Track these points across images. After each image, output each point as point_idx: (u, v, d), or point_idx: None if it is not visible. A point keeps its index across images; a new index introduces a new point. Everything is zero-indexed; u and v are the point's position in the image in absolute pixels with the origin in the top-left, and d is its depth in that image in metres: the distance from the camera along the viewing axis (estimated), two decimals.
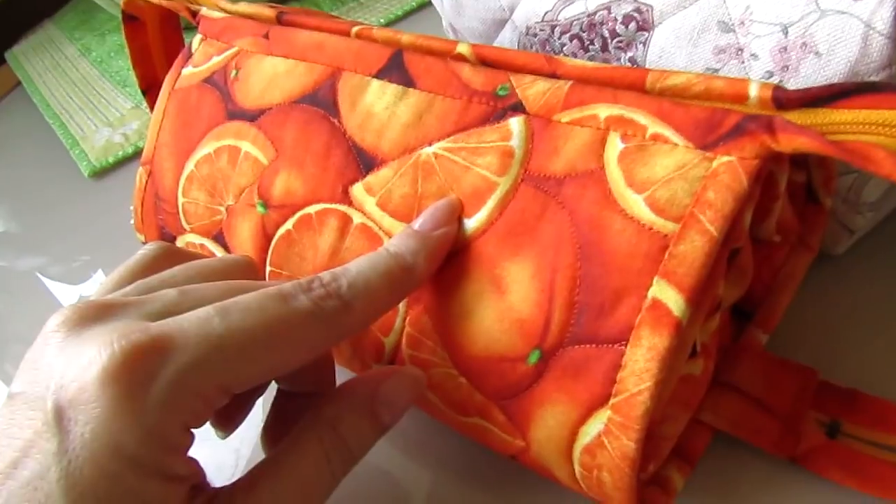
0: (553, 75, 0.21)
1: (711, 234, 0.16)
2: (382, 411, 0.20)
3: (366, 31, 0.25)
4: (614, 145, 0.18)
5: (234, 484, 0.18)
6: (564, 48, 0.30)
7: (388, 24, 0.50)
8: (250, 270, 0.22)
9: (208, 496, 0.17)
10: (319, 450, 0.19)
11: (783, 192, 0.20)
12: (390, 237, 0.22)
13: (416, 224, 0.20)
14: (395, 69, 0.23)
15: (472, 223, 0.20)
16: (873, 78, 0.21)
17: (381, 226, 0.22)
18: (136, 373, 0.15)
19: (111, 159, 0.44)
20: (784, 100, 0.17)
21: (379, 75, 0.24)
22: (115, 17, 0.54)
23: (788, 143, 0.16)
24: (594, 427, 0.18)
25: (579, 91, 0.19)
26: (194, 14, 0.31)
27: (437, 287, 0.21)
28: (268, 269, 0.25)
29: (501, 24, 0.34)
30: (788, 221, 0.23)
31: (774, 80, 0.23)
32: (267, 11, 0.29)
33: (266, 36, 0.28)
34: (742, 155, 0.16)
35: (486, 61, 0.22)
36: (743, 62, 0.24)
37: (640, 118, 0.18)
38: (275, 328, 0.17)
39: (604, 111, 0.19)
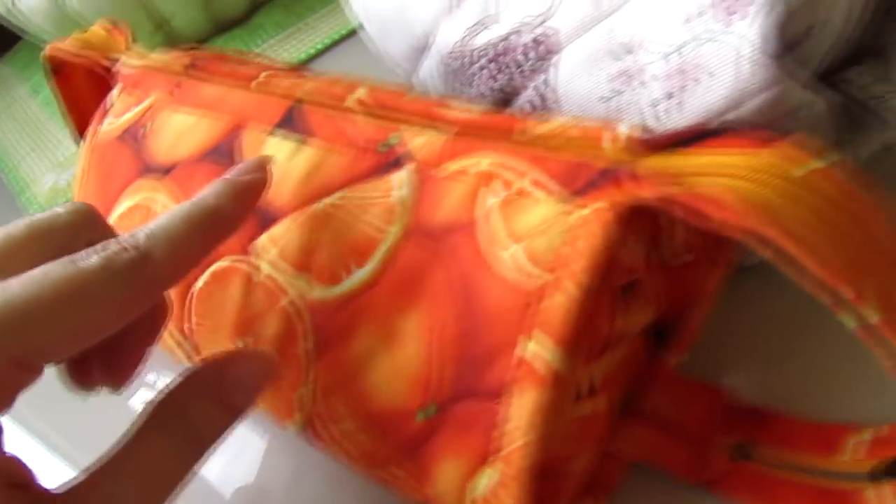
0: (441, 121, 0.21)
1: (582, 284, 0.16)
2: (234, 394, 0.19)
3: (271, 79, 0.25)
4: (492, 195, 0.19)
5: (71, 487, 0.17)
6: (475, 77, 0.31)
7: (326, 48, 0.50)
8: (88, 222, 0.21)
9: (33, 498, 0.16)
10: (167, 441, 0.18)
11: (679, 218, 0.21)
12: (289, 291, 0.22)
13: (227, 174, 0.20)
14: (292, 122, 0.23)
15: (362, 274, 0.20)
16: (751, 102, 0.21)
17: (279, 280, 0.22)
18: None
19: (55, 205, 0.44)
20: (643, 145, 0.17)
21: (277, 130, 0.24)
22: None
23: (643, 192, 0.16)
24: (485, 480, 0.18)
25: (457, 143, 0.20)
26: (109, 68, 0.31)
27: (338, 341, 0.21)
28: (187, 324, 0.26)
29: (421, 51, 0.34)
30: (697, 240, 0.24)
31: (664, 105, 0.23)
32: (178, 60, 0.29)
33: (176, 88, 0.28)
34: (607, 202, 0.17)
35: (381, 105, 0.22)
36: (637, 87, 0.24)
37: (515, 168, 0.18)
38: (61, 291, 0.16)
39: (483, 161, 0.19)
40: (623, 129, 0.17)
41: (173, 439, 0.18)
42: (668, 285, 0.24)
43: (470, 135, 0.20)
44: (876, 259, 0.14)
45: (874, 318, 0.13)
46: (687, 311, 0.25)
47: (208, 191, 0.20)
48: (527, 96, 0.29)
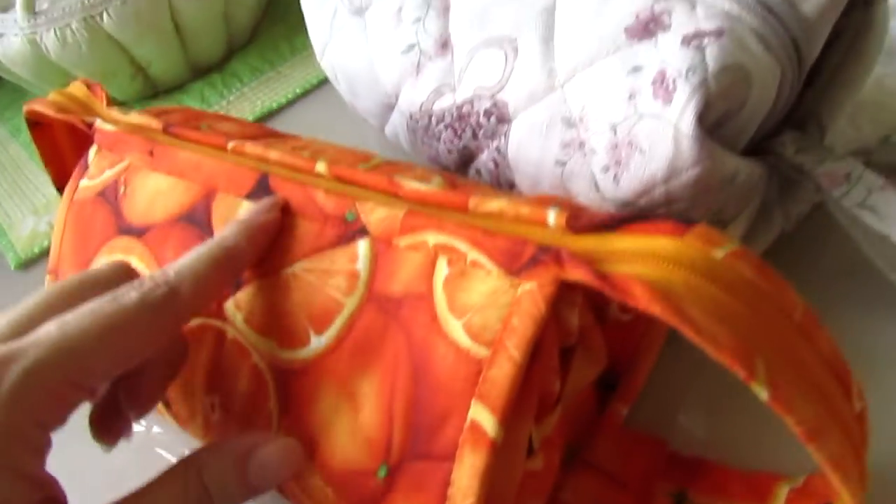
0: (395, 196, 0.23)
1: (515, 359, 0.18)
2: (253, 472, 0.21)
3: (239, 147, 0.27)
4: (441, 270, 0.20)
5: None
6: (442, 136, 0.32)
7: (299, 95, 0.52)
8: (126, 275, 0.23)
9: None
10: (181, 492, 0.20)
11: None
12: (257, 351, 0.23)
13: (242, 215, 0.24)
14: (262, 192, 0.25)
15: (323, 340, 0.22)
16: (688, 173, 0.23)
17: (248, 340, 0.24)
18: None
19: (37, 249, 0.45)
20: (576, 227, 0.19)
21: (248, 197, 0.25)
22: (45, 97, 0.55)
23: (571, 273, 0.17)
24: None
25: (412, 218, 0.21)
26: (89, 125, 0.33)
27: (302, 400, 0.22)
28: None
29: (390, 108, 0.36)
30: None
31: (610, 173, 0.25)
32: (155, 123, 0.30)
33: (151, 153, 0.29)
34: (540, 282, 0.18)
35: (339, 179, 0.24)
36: (585, 155, 0.26)
37: (461, 245, 0.20)
38: (106, 323, 0.19)
39: (432, 238, 0.21)
40: (560, 210, 0.19)
41: (184, 494, 0.20)
42: (612, 340, 0.25)
43: (425, 210, 0.21)
44: (771, 337, 0.16)
45: (763, 394, 0.15)
46: (633, 364, 0.26)
47: (227, 231, 0.23)
48: (487, 156, 0.31)
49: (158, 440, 0.32)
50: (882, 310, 0.29)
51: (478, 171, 0.32)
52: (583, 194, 0.27)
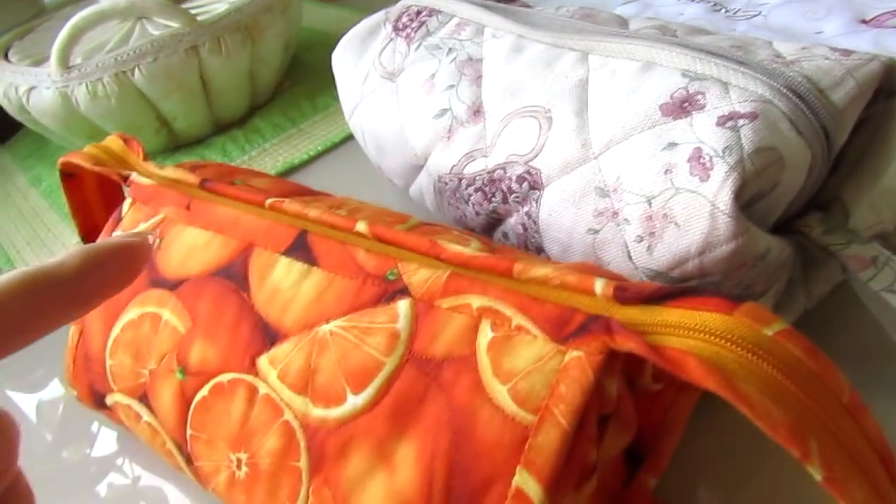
0: (437, 258, 0.23)
1: (563, 427, 0.18)
2: None
3: (278, 205, 0.27)
4: (485, 333, 0.20)
5: None
6: (471, 198, 0.33)
7: (323, 152, 0.53)
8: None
9: None
10: None
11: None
12: (290, 409, 0.23)
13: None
14: (301, 248, 0.25)
15: (360, 399, 0.22)
16: (723, 248, 0.24)
17: (281, 397, 0.24)
18: None
19: None
20: (624, 298, 0.19)
21: (286, 253, 0.26)
22: (67, 147, 0.56)
23: (622, 344, 0.18)
24: None
25: (456, 280, 0.22)
26: (125, 178, 0.33)
27: (335, 460, 0.22)
28: (188, 431, 0.27)
29: (417, 169, 0.37)
30: (665, 373, 0.25)
31: (644, 244, 0.26)
32: (191, 178, 0.31)
33: (188, 207, 0.30)
34: (589, 350, 0.18)
35: (380, 239, 0.24)
36: (618, 225, 0.26)
37: (506, 310, 0.20)
38: None
39: (476, 301, 0.21)
40: (607, 281, 0.19)
41: None
42: (641, 410, 0.26)
43: (469, 273, 0.22)
44: (823, 418, 0.16)
45: (818, 475, 0.15)
46: (661, 435, 0.26)
47: (60, 254, 0.19)
48: (517, 219, 0.31)
49: (146, 495, 0.32)
50: None
51: (505, 234, 0.33)
52: (614, 263, 0.27)
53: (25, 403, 0.40)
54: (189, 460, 0.27)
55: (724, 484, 0.27)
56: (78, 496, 0.27)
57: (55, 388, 0.40)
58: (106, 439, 0.35)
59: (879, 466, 0.17)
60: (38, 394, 0.40)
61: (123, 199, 0.33)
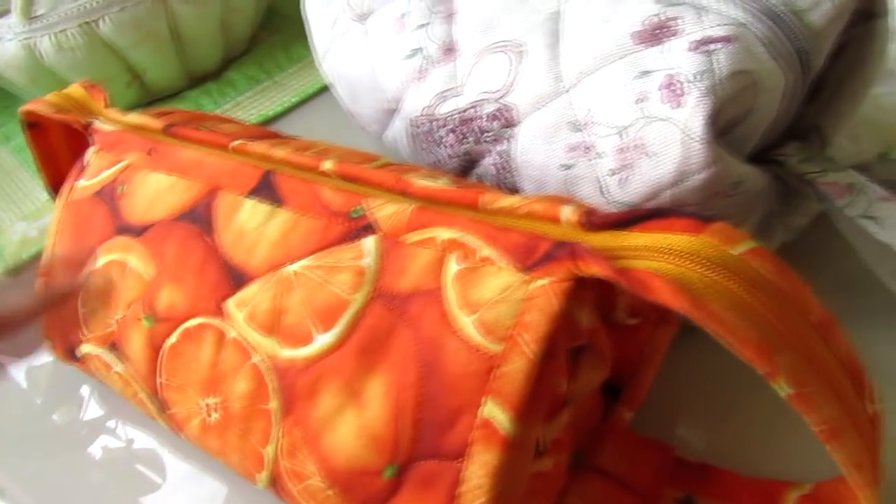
0: (404, 194, 0.22)
1: (529, 356, 0.18)
2: None
3: (242, 147, 0.27)
4: (451, 266, 0.20)
5: None
6: (444, 140, 0.32)
7: (297, 104, 0.52)
8: None
9: None
10: None
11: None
12: (258, 351, 0.23)
13: None
14: (266, 189, 0.25)
15: (328, 338, 0.21)
16: (696, 177, 0.23)
17: (249, 340, 0.23)
18: None
19: (25, 255, 0.44)
20: (591, 224, 0.18)
21: (251, 194, 0.25)
22: None
23: (587, 268, 0.17)
24: None
25: (422, 214, 0.21)
26: (87, 126, 0.32)
27: (305, 400, 0.22)
28: (159, 379, 0.26)
29: (391, 113, 0.36)
30: (641, 305, 0.25)
31: (617, 177, 0.25)
32: (155, 123, 0.30)
33: (151, 152, 0.29)
34: (554, 278, 0.18)
35: (346, 178, 0.24)
36: (591, 160, 0.26)
37: (472, 241, 0.20)
38: None
39: (442, 234, 0.20)
40: (574, 207, 0.19)
41: None
42: (618, 345, 0.25)
43: (435, 206, 0.21)
44: (790, 336, 0.16)
45: (784, 392, 0.15)
46: (638, 369, 0.26)
47: None
48: (491, 160, 0.31)
49: (139, 456, 0.32)
50: (882, 321, 0.29)
51: (479, 177, 0.32)
52: (588, 198, 0.26)
53: (15, 368, 0.39)
54: (162, 408, 0.27)
55: (703, 419, 0.27)
56: (69, 458, 0.27)
57: (44, 353, 0.40)
58: (97, 401, 0.35)
59: (849, 384, 0.17)
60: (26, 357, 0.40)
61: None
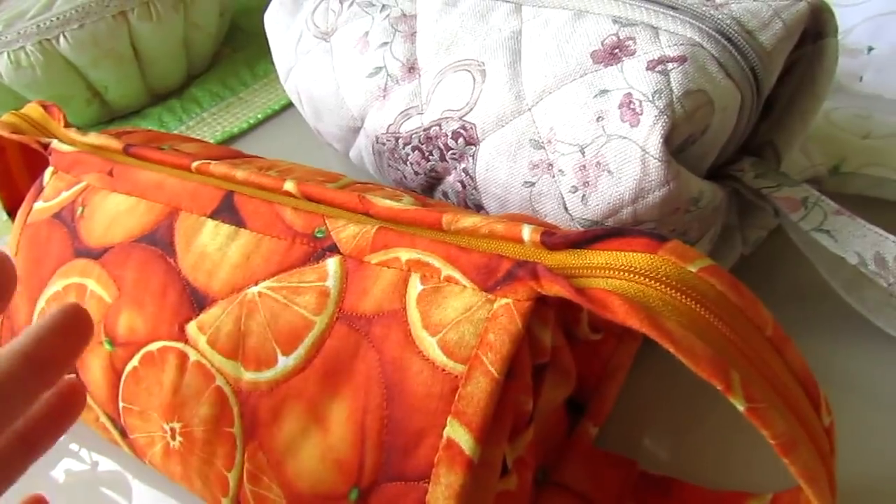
0: (366, 214, 0.22)
1: (493, 375, 0.18)
2: None
3: (204, 167, 0.26)
4: (415, 286, 0.20)
5: None
6: (409, 157, 0.32)
7: (263, 120, 0.51)
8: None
9: None
10: None
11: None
12: (221, 374, 0.23)
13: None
14: (227, 210, 0.24)
15: (290, 361, 0.21)
16: (655, 194, 0.24)
17: (212, 363, 0.23)
18: None
19: None
20: (551, 243, 0.19)
21: (213, 216, 0.25)
22: None
23: (548, 288, 0.17)
24: None
25: (384, 234, 0.21)
26: (45, 146, 0.32)
27: (269, 423, 0.22)
28: (120, 404, 0.26)
29: (355, 131, 0.36)
30: (603, 322, 0.25)
31: (579, 194, 0.25)
32: (114, 143, 0.30)
33: (111, 173, 0.28)
34: (516, 297, 0.18)
35: (308, 198, 0.24)
36: (553, 176, 0.26)
37: (434, 262, 0.20)
38: None
39: (404, 254, 0.20)
40: (534, 227, 0.19)
41: None
42: (582, 360, 0.26)
43: (398, 226, 0.21)
44: (747, 350, 0.16)
45: (741, 406, 0.15)
46: (602, 384, 0.27)
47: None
48: (455, 178, 0.31)
49: (103, 480, 0.31)
50: (836, 331, 0.30)
51: (444, 194, 0.32)
52: (551, 215, 0.27)
53: None
54: (124, 433, 0.27)
55: (666, 432, 0.27)
56: (32, 483, 0.26)
57: None
58: None
59: (804, 397, 0.17)
60: None
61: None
